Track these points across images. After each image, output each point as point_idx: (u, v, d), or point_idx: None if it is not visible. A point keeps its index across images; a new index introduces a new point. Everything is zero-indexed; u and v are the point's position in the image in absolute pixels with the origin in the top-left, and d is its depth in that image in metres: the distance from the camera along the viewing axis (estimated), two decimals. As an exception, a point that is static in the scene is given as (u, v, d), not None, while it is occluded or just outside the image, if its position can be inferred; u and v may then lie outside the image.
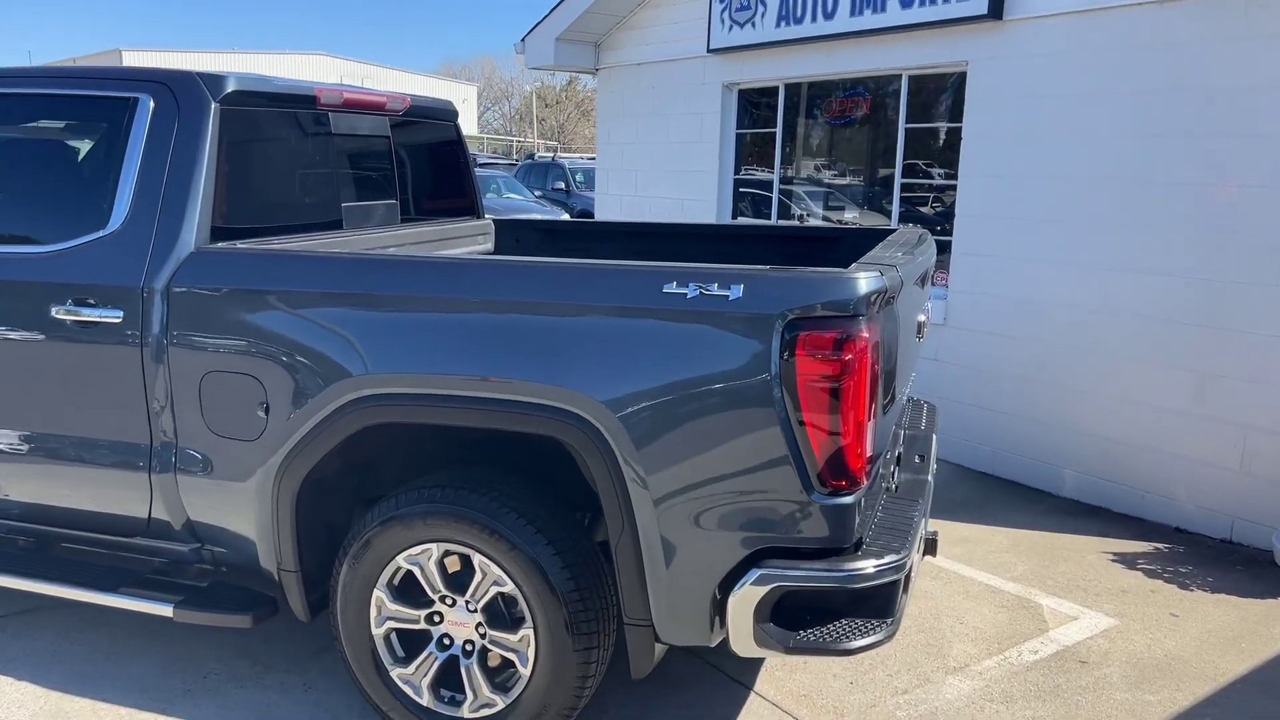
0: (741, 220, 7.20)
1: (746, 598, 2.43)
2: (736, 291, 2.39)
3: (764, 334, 2.36)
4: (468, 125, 54.11)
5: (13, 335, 3.02)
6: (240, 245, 2.99)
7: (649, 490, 2.45)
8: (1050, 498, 5.26)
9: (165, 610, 2.96)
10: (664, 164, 7.72)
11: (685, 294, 2.42)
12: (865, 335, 2.33)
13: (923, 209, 6.17)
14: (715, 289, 2.41)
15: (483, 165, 22.66)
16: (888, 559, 2.46)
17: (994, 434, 5.56)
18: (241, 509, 2.91)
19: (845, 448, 2.37)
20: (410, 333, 2.63)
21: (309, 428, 2.73)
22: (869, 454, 2.44)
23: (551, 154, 26.49)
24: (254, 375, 2.78)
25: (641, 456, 2.44)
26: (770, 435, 2.37)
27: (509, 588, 2.66)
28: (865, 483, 2.43)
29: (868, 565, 2.43)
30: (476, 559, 2.68)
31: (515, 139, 50.25)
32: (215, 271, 2.87)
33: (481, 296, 2.58)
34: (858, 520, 2.44)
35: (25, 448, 3.11)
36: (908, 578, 2.55)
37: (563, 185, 18.63)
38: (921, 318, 3.33)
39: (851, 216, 6.75)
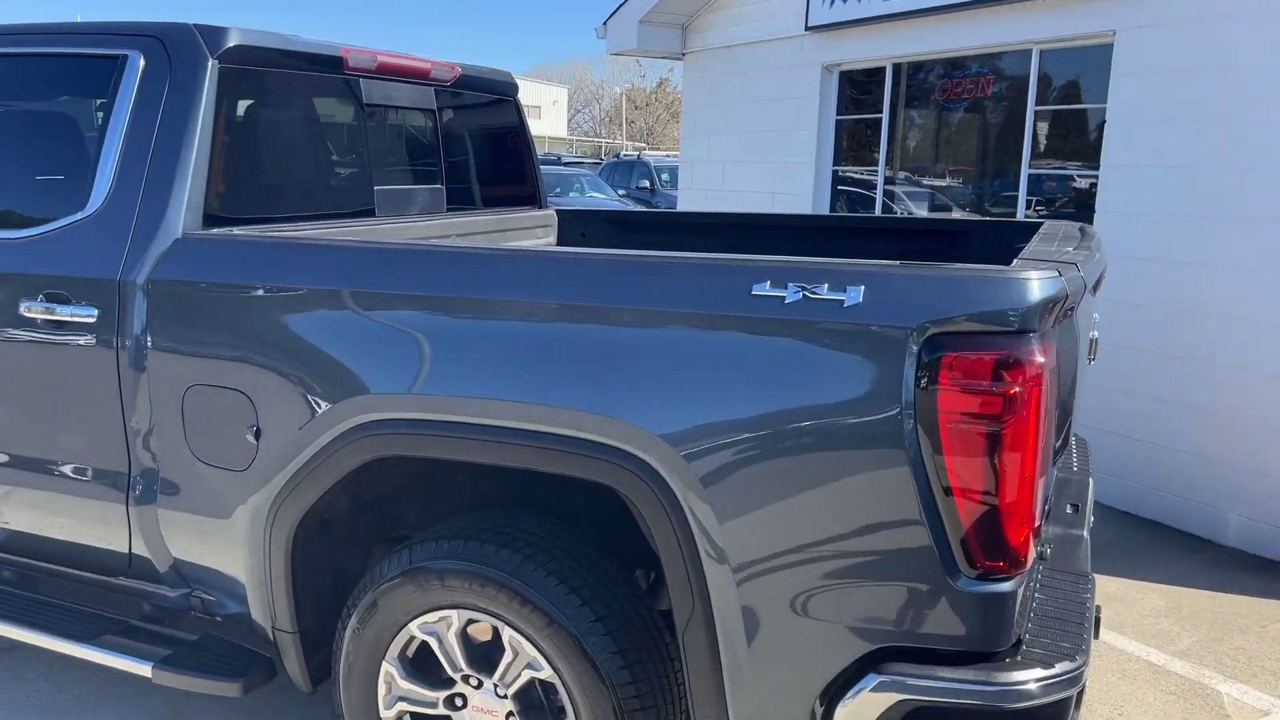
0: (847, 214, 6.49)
1: (861, 712, 1.79)
2: (855, 295, 1.75)
3: (893, 355, 1.71)
4: (557, 127, 54.20)
5: (-17, 336, 2.56)
6: (235, 232, 2.47)
7: (728, 560, 1.83)
8: (1211, 546, 4.42)
9: (143, 669, 2.46)
10: (754, 154, 7.06)
11: (783, 298, 1.79)
12: (1038, 359, 1.66)
13: (1054, 204, 5.38)
14: (825, 292, 1.77)
15: (567, 164, 22.27)
16: (1059, 669, 1.78)
17: (1139, 467, 4.74)
18: (230, 552, 2.39)
19: (1004, 514, 1.71)
20: (425, 343, 2.06)
21: (305, 458, 2.18)
22: (1036, 522, 1.77)
23: (636, 152, 25.99)
24: (243, 391, 2.25)
25: (718, 513, 1.82)
26: (898, 493, 1.72)
27: (545, 673, 2.07)
28: (1029, 563, 1.76)
29: (1031, 678, 1.75)
30: (507, 633, 2.10)
31: (604, 141, 50.09)
32: (201, 261, 2.35)
33: (515, 297, 2.00)
34: (1017, 614, 1.77)
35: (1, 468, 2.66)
36: (1081, 691, 1.86)
37: (648, 184, 18.07)
38: (1094, 334, 2.62)
39: (964, 215, 5.99)
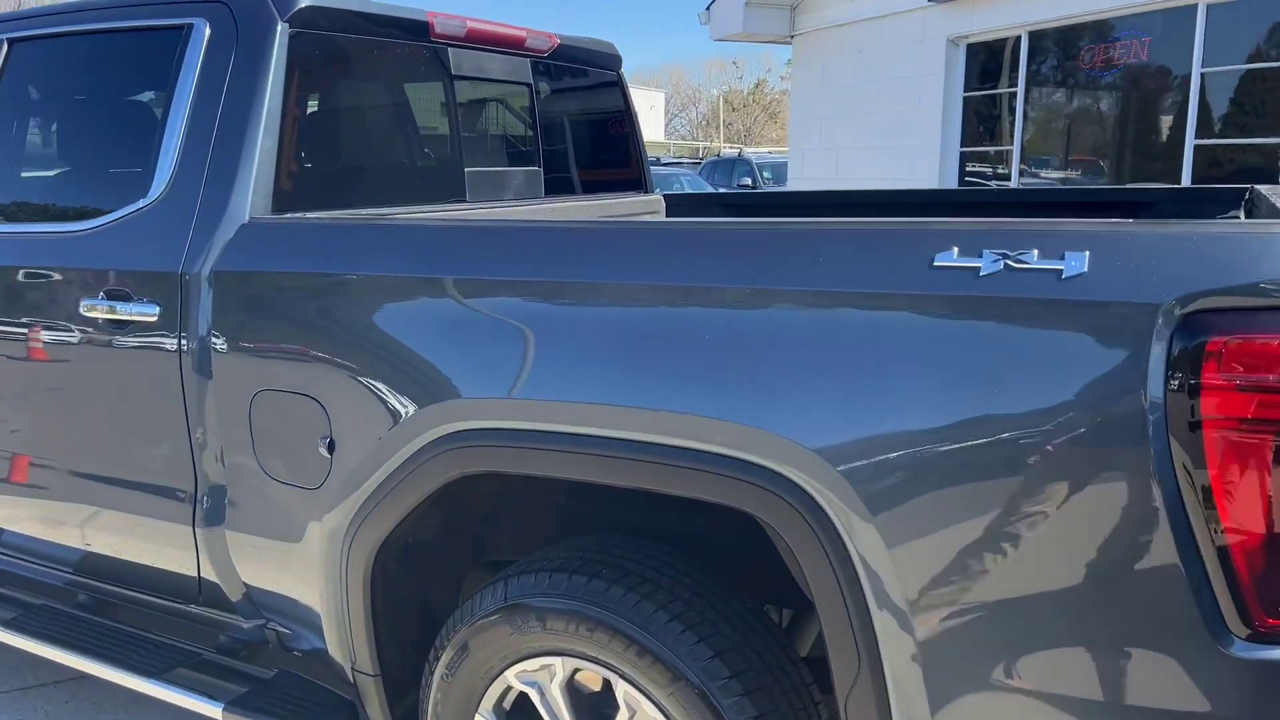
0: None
1: (1090, 817, 1.35)
2: (1077, 263, 1.32)
3: (1132, 340, 1.28)
4: (655, 131, 54.01)
5: (45, 337, 2.34)
6: (310, 216, 2.18)
7: (907, 610, 1.42)
8: None
9: (213, 710, 2.19)
10: (871, 139, 6.57)
11: (976, 270, 1.38)
12: (1351, 344, 1.21)
13: (1224, 178, 4.75)
14: (1035, 260, 1.35)
15: (666, 165, 21.96)
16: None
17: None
18: (304, 581, 2.09)
19: (1297, 556, 1.25)
20: (526, 337, 1.72)
21: (384, 475, 1.87)
22: (1337, 567, 1.31)
23: (737, 150, 25.50)
24: (314, 396, 1.95)
25: (892, 550, 1.42)
26: (1141, 527, 1.29)
27: (671, 739, 1.69)
28: (1328, 621, 1.30)
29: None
30: (621, 688, 1.73)
31: (702, 144, 49.74)
32: (268, 249, 2.06)
33: (636, 280, 1.63)
34: (1312, 690, 1.31)
35: (66, 483, 2.43)
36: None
37: (749, 181, 17.59)
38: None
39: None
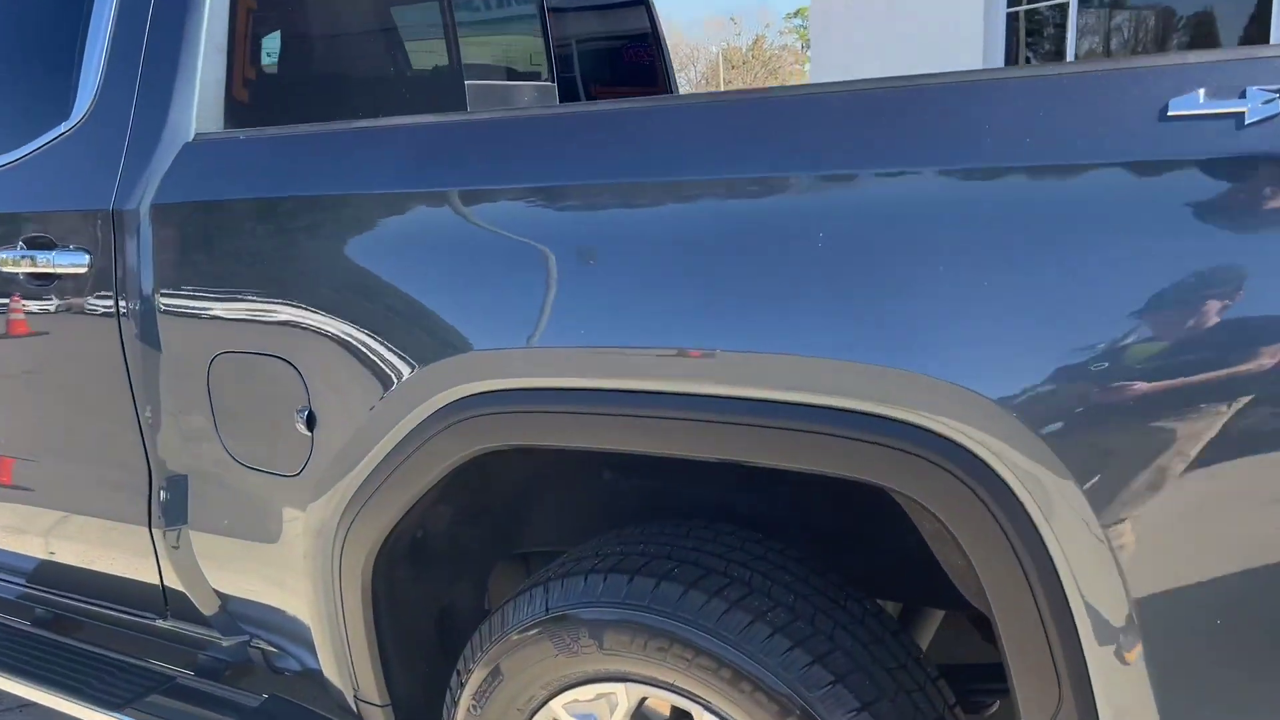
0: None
1: None
2: None
3: None
4: (652, 90, 52.97)
5: (-40, 303, 1.90)
6: (269, 129, 1.72)
7: (1140, 633, 0.98)
8: None
9: (189, 751, 1.77)
10: (905, 69, 6.04)
11: (1240, 115, 0.92)
12: None
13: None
14: (1337, 94, 0.89)
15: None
16: None
17: None
18: (288, 589, 1.67)
19: None
20: (559, 265, 1.27)
21: (381, 455, 1.43)
22: None
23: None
24: (286, 358, 1.51)
25: (1120, 551, 0.97)
26: None
27: (776, 789, 1.27)
28: None
29: None
30: (705, 722, 1.30)
31: (701, 100, 49.04)
32: (220, 172, 1.62)
33: (710, 175, 1.18)
34: None
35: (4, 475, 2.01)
36: None
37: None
38: None
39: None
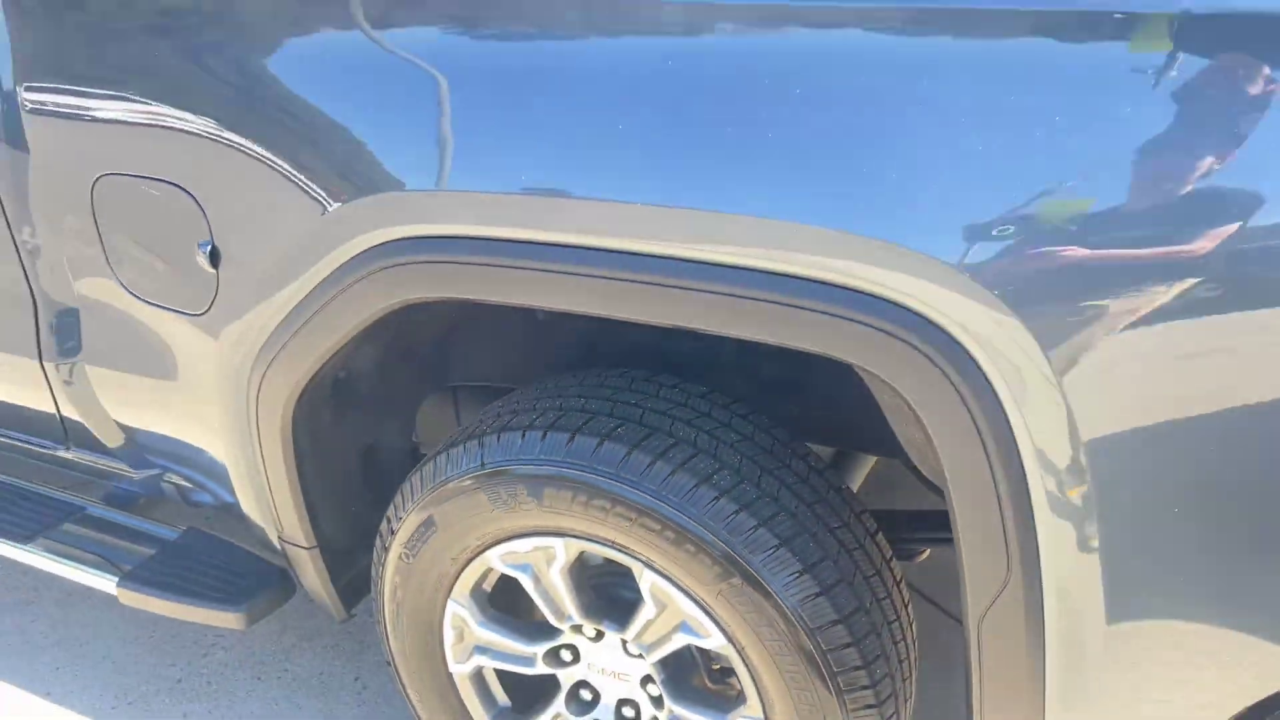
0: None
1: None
2: None
3: None
4: None
5: None
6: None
7: (1095, 509, 0.97)
8: None
9: (106, 584, 1.72)
10: None
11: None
12: None
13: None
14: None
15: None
16: None
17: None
18: (201, 427, 1.57)
19: None
20: (501, 96, 1.12)
21: (295, 299, 1.30)
22: None
23: None
24: (181, 185, 1.34)
25: (1081, 421, 0.94)
26: None
27: (714, 642, 1.28)
28: None
29: None
30: (646, 579, 1.29)
31: None
32: (84, -43, 1.37)
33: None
34: None
35: None
36: None
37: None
38: None
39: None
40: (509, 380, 1.67)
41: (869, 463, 1.76)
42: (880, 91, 0.95)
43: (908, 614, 1.33)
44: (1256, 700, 1.02)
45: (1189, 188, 0.86)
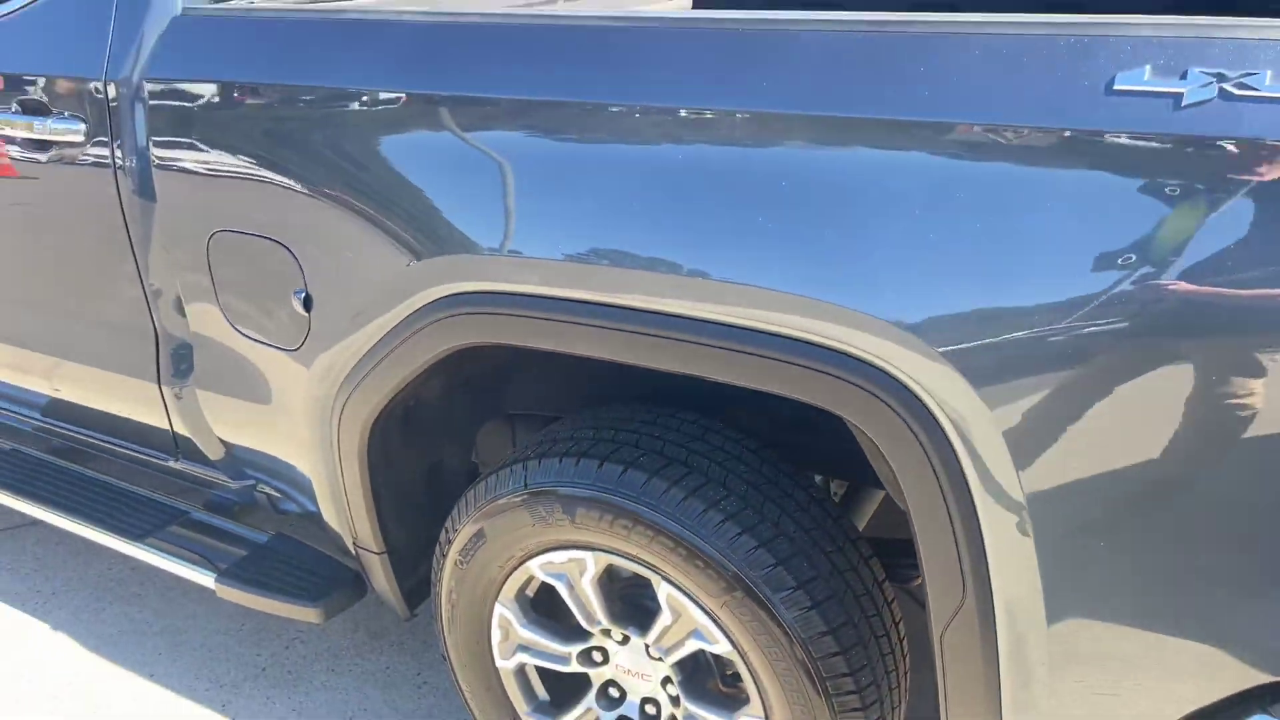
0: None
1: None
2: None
3: None
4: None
5: (-40, 159, 1.94)
6: (258, 3, 1.72)
7: (1033, 535, 1.13)
8: None
9: (205, 579, 1.98)
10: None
11: (1177, 96, 0.98)
12: None
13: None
14: (1267, 84, 0.95)
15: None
16: None
17: None
18: (292, 447, 1.82)
19: None
20: (547, 180, 1.34)
21: (373, 341, 1.54)
22: None
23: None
24: (283, 243, 1.59)
25: (1018, 460, 1.11)
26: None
27: (721, 648, 1.47)
28: None
29: None
30: (663, 590, 1.48)
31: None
32: (211, 49, 1.63)
33: (672, 101, 1.23)
34: None
35: (18, 324, 2.12)
36: None
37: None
38: None
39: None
40: (555, 410, 1.89)
41: (878, 496, 1.92)
42: (848, 187, 1.14)
43: (898, 630, 1.49)
44: (1197, 708, 1.16)
45: (1094, 263, 1.02)
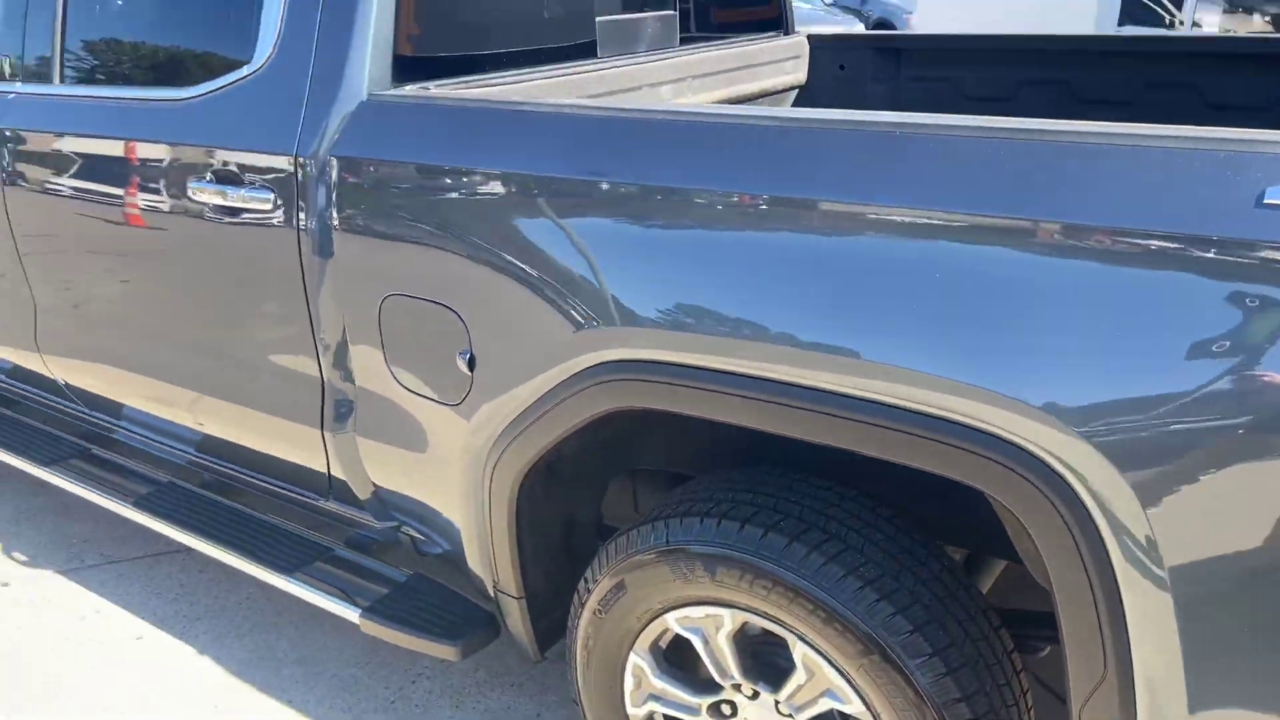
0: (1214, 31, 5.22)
1: None
2: None
3: None
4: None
5: (156, 218, 2.15)
6: (434, 90, 1.89)
7: (1180, 616, 1.19)
8: None
9: (349, 614, 2.12)
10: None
11: (1330, 213, 1.05)
12: None
13: None
14: None
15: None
16: None
17: None
18: (443, 495, 1.95)
19: None
20: (709, 260, 1.45)
21: (532, 399, 1.67)
22: None
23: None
24: (452, 308, 1.74)
25: (1166, 542, 1.17)
26: None
27: (854, 708, 1.54)
28: None
29: None
30: (799, 649, 1.56)
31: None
32: (393, 133, 1.80)
33: (836, 197, 1.34)
34: None
35: (189, 368, 2.31)
36: None
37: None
38: None
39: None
40: (683, 467, 1.99)
41: (999, 566, 1.96)
42: (1003, 281, 1.23)
43: (1025, 700, 1.54)
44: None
45: (1237, 360, 1.09)
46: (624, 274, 1.53)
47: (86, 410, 2.71)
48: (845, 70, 3.16)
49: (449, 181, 1.70)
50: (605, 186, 1.53)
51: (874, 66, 3.13)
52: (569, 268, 1.58)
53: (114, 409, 2.62)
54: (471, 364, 1.74)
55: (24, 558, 2.91)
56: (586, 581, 1.79)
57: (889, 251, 1.31)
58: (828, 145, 1.39)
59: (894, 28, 15.44)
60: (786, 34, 3.17)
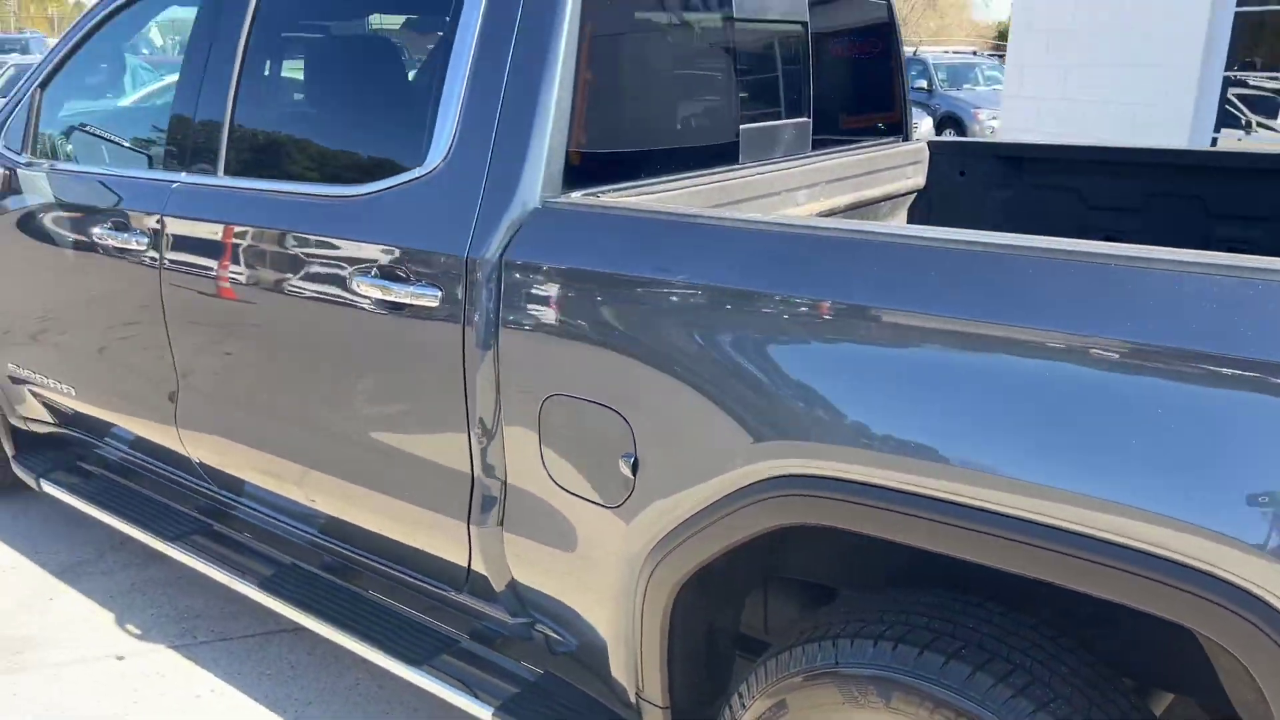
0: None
1: None
2: None
3: None
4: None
5: (316, 309, 2.21)
6: (604, 199, 1.94)
7: None
8: None
9: (481, 711, 2.10)
10: (1111, 55, 5.85)
11: None
12: None
13: None
14: None
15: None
16: None
17: None
18: (591, 598, 1.94)
19: None
20: (896, 382, 1.45)
21: (698, 508, 1.66)
22: None
23: (912, 48, 23.89)
24: (617, 410, 1.75)
25: None
26: None
27: None
28: None
29: None
30: (976, 783, 1.51)
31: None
32: (565, 240, 1.84)
33: (1031, 324, 1.34)
34: None
35: (333, 453, 2.35)
36: None
37: (924, 84, 16.45)
38: None
39: None
40: (822, 578, 1.96)
41: (1167, 699, 1.89)
42: (1215, 416, 1.21)
43: None
44: None
45: None
46: (810, 391, 1.53)
47: (214, 487, 2.76)
48: (966, 176, 3.19)
49: (622, 289, 1.73)
50: (790, 301, 1.54)
51: (994, 173, 3.15)
52: (751, 379, 1.59)
53: (243, 487, 2.66)
54: (635, 467, 1.74)
55: (138, 630, 2.94)
56: (740, 698, 1.75)
57: (1100, 384, 1.30)
58: (1043, 273, 1.39)
59: (961, 122, 15.64)
60: (906, 139, 3.21)
